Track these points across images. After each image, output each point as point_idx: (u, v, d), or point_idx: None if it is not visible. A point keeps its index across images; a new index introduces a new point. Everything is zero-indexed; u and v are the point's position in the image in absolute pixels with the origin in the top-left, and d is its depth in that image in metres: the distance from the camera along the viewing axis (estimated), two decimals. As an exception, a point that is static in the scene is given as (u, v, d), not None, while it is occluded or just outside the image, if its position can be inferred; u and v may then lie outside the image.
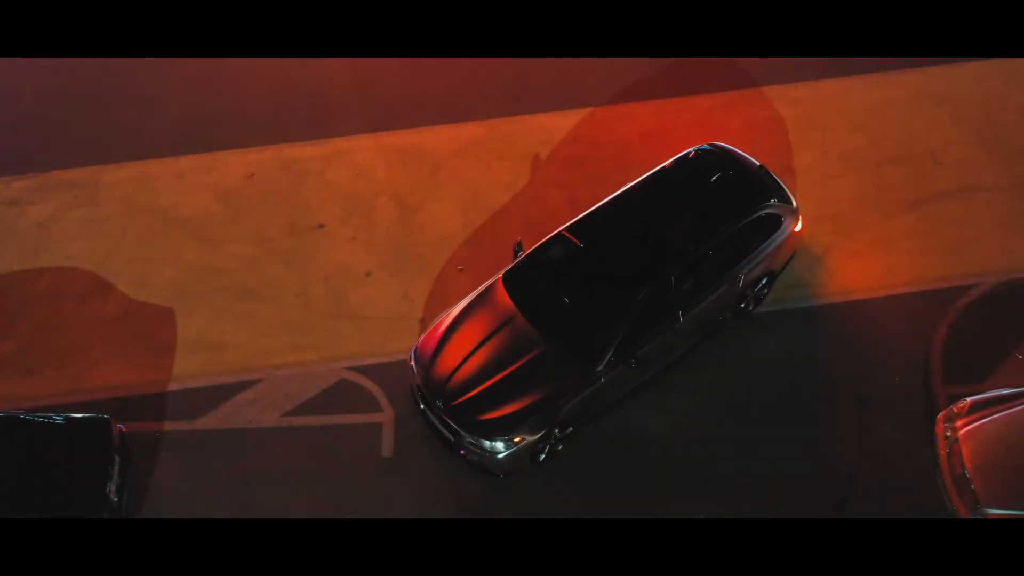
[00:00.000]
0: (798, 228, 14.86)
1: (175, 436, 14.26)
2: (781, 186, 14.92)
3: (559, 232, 14.25)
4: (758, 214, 14.33)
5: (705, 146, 15.16)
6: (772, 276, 14.93)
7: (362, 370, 14.80)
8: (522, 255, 14.35)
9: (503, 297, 14.06)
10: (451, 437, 13.63)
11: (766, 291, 15.06)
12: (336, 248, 15.94)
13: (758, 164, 15.03)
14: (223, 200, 16.45)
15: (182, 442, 14.20)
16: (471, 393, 13.46)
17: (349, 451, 14.16)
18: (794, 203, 14.87)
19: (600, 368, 13.51)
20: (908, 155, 16.71)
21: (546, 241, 14.29)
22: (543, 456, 13.85)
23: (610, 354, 13.50)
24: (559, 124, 17.23)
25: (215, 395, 14.58)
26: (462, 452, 13.66)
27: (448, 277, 15.61)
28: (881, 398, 14.46)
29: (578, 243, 14.05)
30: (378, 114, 17.39)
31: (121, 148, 16.96)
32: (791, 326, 15.09)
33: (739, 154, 15.11)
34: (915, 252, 15.71)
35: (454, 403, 13.47)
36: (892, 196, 16.29)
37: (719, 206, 14.34)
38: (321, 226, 16.17)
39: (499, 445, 13.32)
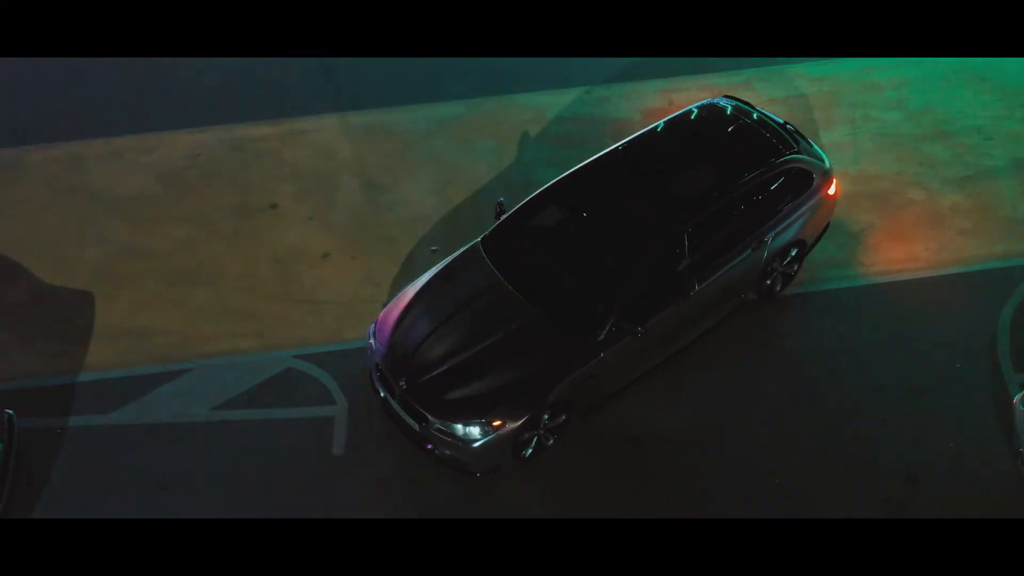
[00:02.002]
0: (832, 191, 12.57)
1: (82, 432, 11.70)
2: (810, 142, 12.70)
3: (550, 186, 11.96)
4: (784, 168, 12.04)
5: (719, 98, 13.00)
6: (803, 248, 12.55)
7: (313, 358, 12.33)
8: (505, 216, 12.03)
9: (482, 262, 11.68)
10: (416, 425, 11.06)
11: (796, 267, 12.67)
12: (290, 229, 13.63)
13: (782, 120, 12.82)
14: (163, 181, 14.21)
15: (90, 438, 11.64)
16: (441, 368, 10.97)
17: (293, 449, 11.58)
18: (827, 162, 12.60)
19: (601, 338, 11.03)
20: (952, 131, 14.54)
21: (535, 196, 11.98)
22: (529, 450, 11.25)
23: (612, 322, 11.04)
24: (551, 102, 15.10)
25: (135, 386, 12.08)
26: (430, 446, 11.08)
27: (419, 259, 13.25)
28: (939, 388, 11.95)
29: (574, 197, 11.76)
30: (343, 93, 15.29)
31: (52, 129, 14.79)
32: (826, 307, 12.66)
33: (759, 109, 12.93)
34: (968, 230, 13.39)
35: (420, 381, 10.96)
36: (937, 173, 14.05)
37: (738, 157, 12.03)
38: (274, 207, 13.90)
39: (474, 431, 10.75)
